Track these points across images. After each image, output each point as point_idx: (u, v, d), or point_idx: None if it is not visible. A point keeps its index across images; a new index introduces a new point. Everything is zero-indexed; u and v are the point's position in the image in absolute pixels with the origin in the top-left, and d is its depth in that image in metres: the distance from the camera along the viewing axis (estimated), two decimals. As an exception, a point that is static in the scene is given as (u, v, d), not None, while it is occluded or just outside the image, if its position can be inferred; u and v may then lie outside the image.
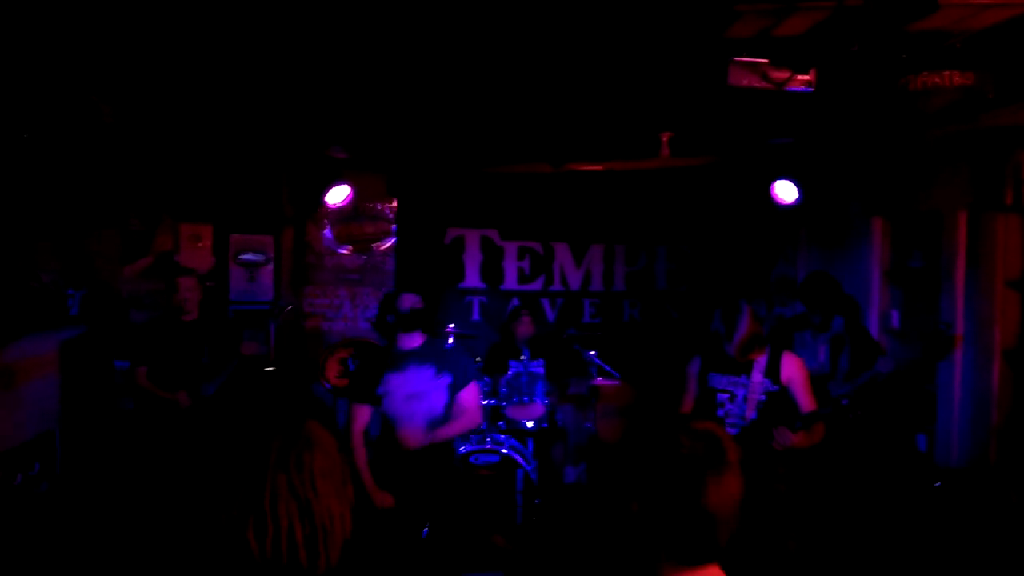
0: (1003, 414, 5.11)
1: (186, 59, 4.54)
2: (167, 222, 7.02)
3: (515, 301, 7.57)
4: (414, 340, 4.65)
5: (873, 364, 4.80)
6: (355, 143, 6.55)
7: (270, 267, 7.25)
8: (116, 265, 6.71)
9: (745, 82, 3.68)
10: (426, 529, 4.58)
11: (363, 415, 4.67)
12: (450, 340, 6.46)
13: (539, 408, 6.37)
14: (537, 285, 7.68)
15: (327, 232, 7.38)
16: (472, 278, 7.63)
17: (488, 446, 5.81)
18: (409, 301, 4.58)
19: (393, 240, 7.48)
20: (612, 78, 4.82)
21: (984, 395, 5.21)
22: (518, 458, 5.80)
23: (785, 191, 6.26)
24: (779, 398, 4.59)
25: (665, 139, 5.99)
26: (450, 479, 4.93)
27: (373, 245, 7.46)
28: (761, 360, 4.62)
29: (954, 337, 5.24)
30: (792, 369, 4.61)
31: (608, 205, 7.58)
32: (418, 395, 4.57)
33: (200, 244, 7.04)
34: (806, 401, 4.55)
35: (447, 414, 4.61)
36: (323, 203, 6.68)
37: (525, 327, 6.75)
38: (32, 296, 5.46)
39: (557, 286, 7.70)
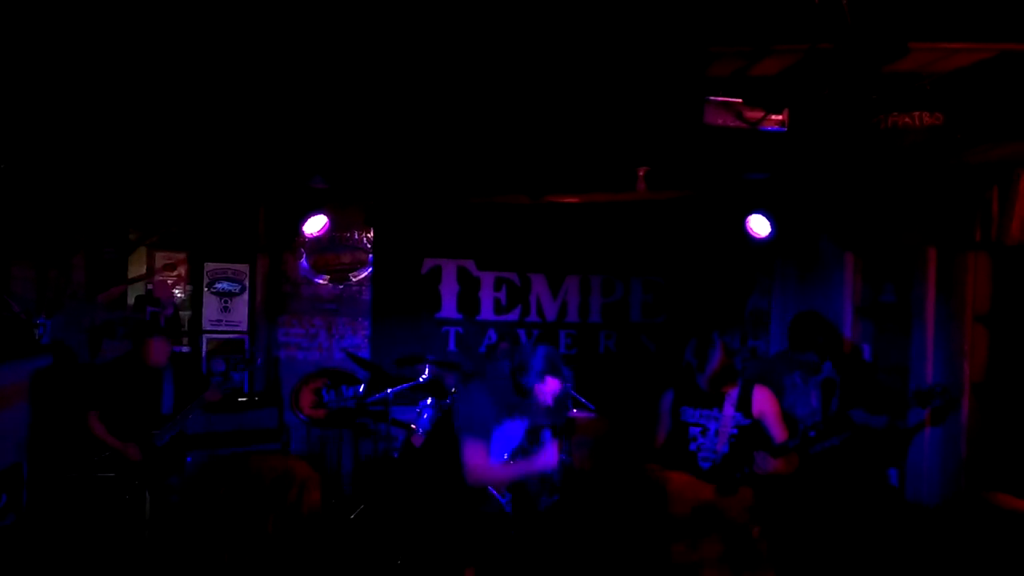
0: (973, 448, 5.17)
1: (166, 88, 4.54)
2: (142, 250, 6.97)
3: (492, 336, 7.57)
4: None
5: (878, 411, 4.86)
6: (333, 173, 6.55)
7: (245, 296, 7.21)
8: (88, 293, 6.65)
9: (720, 121, 3.74)
10: (399, 560, 4.57)
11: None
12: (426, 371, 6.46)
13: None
14: (514, 316, 7.69)
15: (303, 261, 7.36)
16: (449, 308, 7.62)
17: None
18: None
19: (370, 270, 7.48)
20: (591, 113, 4.88)
21: (954, 429, 5.27)
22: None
23: (759, 225, 6.34)
24: (751, 432, 4.62)
25: (642, 173, 6.06)
26: None
27: (350, 275, 7.45)
28: (733, 393, 4.67)
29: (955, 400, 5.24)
30: (764, 402, 4.66)
31: (585, 237, 7.62)
32: None
33: (175, 273, 6.99)
34: (779, 433, 4.59)
35: None
36: (300, 232, 6.67)
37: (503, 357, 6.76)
38: (2, 325, 5.39)
39: (533, 317, 7.72)
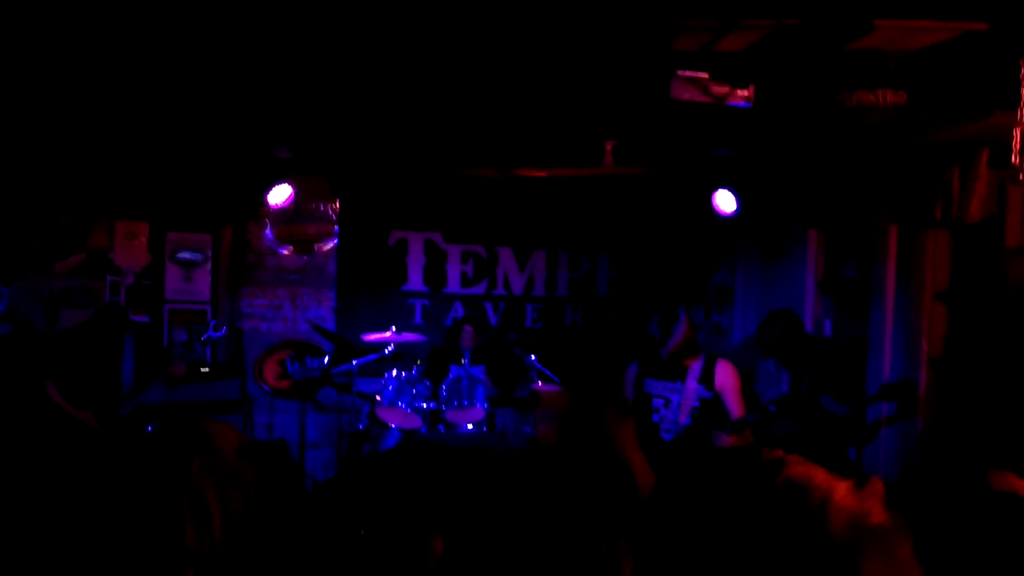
0: (928, 422, 5.27)
1: (125, 54, 4.45)
2: (103, 218, 6.85)
3: (458, 309, 7.56)
4: None
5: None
6: (299, 143, 6.47)
7: (208, 266, 7.12)
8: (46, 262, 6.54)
9: (687, 96, 3.74)
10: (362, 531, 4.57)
11: None
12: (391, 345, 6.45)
13: (479, 412, 6.39)
14: (480, 289, 7.69)
15: (268, 232, 7.26)
16: (415, 281, 7.60)
17: (427, 450, 5.80)
18: None
19: (336, 241, 7.41)
20: (559, 86, 4.86)
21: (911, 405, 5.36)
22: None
23: (725, 201, 6.36)
24: (713, 405, 4.70)
25: (609, 148, 6.05)
26: None
27: (315, 246, 7.37)
28: (696, 367, 4.74)
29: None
30: (726, 377, 4.74)
31: (552, 211, 7.61)
32: None
33: (136, 241, 6.88)
34: (736, 408, 4.69)
35: None
36: (264, 202, 6.58)
37: (467, 339, 6.77)
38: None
39: (500, 290, 7.72)
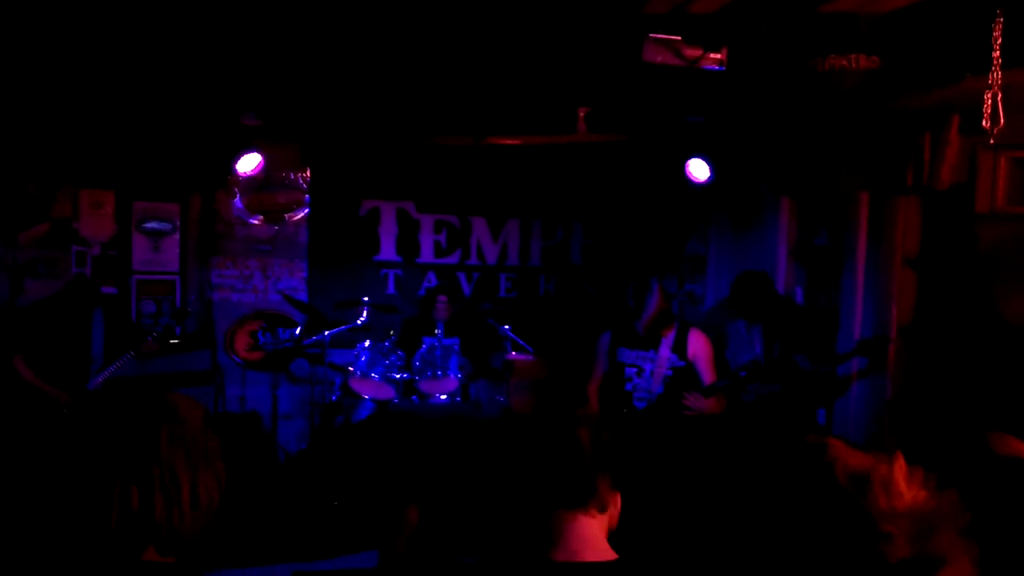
0: (897, 388, 5.32)
1: (89, 18, 4.33)
2: (67, 187, 6.71)
3: (431, 279, 7.52)
4: None
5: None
6: (268, 110, 6.37)
7: (176, 236, 7.01)
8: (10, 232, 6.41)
9: (659, 59, 3.71)
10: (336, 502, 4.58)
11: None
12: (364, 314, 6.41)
13: (452, 382, 6.38)
14: (454, 259, 7.64)
15: (237, 201, 7.16)
16: (388, 251, 7.53)
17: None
18: None
19: (307, 211, 7.32)
20: (531, 52, 4.80)
21: (880, 371, 5.40)
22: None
23: (698, 169, 6.34)
24: (685, 373, 4.72)
25: (582, 114, 6.01)
26: None
27: (286, 215, 7.28)
28: (669, 336, 4.75)
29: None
30: (698, 345, 4.76)
31: (526, 180, 7.56)
32: None
33: (101, 211, 6.75)
34: (709, 377, 4.71)
35: None
36: (233, 171, 6.47)
37: (441, 310, 6.74)
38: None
39: (474, 260, 7.68)
